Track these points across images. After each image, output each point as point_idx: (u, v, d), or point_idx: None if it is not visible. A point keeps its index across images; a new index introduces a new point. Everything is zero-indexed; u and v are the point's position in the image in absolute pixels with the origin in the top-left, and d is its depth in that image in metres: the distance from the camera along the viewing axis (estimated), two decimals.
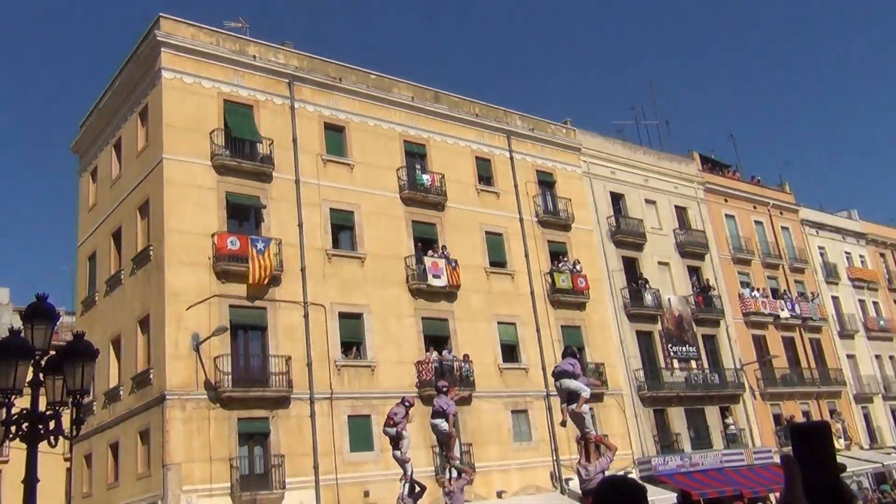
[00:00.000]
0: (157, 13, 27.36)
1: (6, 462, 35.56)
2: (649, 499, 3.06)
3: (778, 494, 35.39)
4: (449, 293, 30.88)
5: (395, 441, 17.96)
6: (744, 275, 44.26)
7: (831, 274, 50.09)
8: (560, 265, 35.05)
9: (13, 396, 9.51)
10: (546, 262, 34.93)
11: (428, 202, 31.83)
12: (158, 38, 26.93)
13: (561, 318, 34.28)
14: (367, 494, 26.15)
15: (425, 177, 32.05)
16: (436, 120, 33.64)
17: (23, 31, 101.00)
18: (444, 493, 17.02)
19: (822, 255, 50.72)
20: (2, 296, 42.23)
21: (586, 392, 14.02)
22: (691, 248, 41.28)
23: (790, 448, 2.06)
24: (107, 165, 30.51)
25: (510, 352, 32.38)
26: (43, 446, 10.07)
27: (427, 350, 29.62)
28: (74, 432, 12.59)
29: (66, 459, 33.29)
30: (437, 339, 30.37)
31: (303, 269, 27.59)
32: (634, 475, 31.52)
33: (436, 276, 30.31)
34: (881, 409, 47.93)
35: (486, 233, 33.43)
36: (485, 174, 34.64)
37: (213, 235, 25.89)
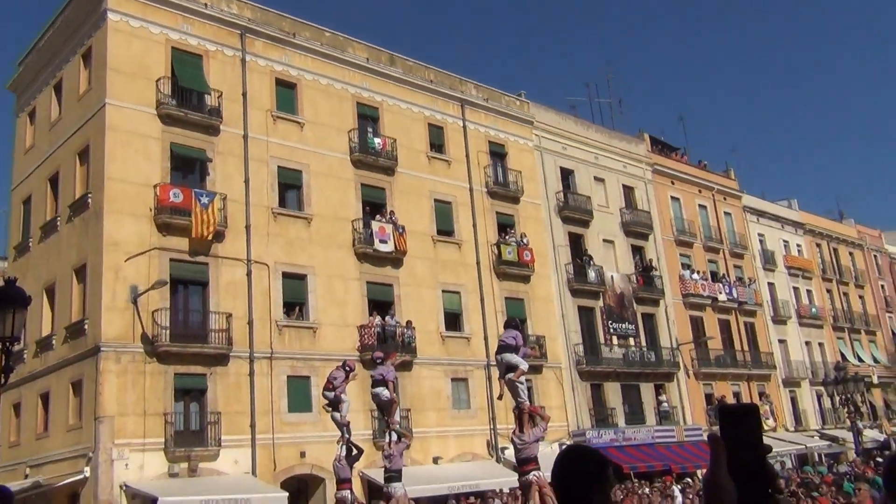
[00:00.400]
0: None
1: None
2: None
3: (704, 471, 36.28)
4: (395, 259, 30.83)
5: (335, 404, 17.97)
6: (685, 257, 45.04)
7: (769, 261, 51.31)
8: (507, 237, 35.20)
9: None
10: (493, 233, 35.06)
11: (378, 166, 31.61)
12: None
13: (505, 290, 34.50)
14: (303, 455, 26.18)
15: (377, 140, 31.79)
16: (390, 83, 33.32)
17: None
18: (382, 455, 17.13)
19: (761, 241, 51.90)
20: None
21: (524, 365, 14.26)
22: (636, 228, 41.82)
23: (718, 428, 2.07)
24: (46, 107, 29.54)
25: (453, 320, 32.55)
26: None
27: (370, 314, 29.59)
28: (3, 380, 12.20)
29: None
30: (381, 303, 30.36)
31: (247, 227, 27.25)
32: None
33: (382, 241, 30.18)
34: (807, 393, 49.49)
35: (436, 200, 33.40)
36: (437, 141, 34.51)
37: (155, 186, 25.34)
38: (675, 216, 45.36)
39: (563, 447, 3.06)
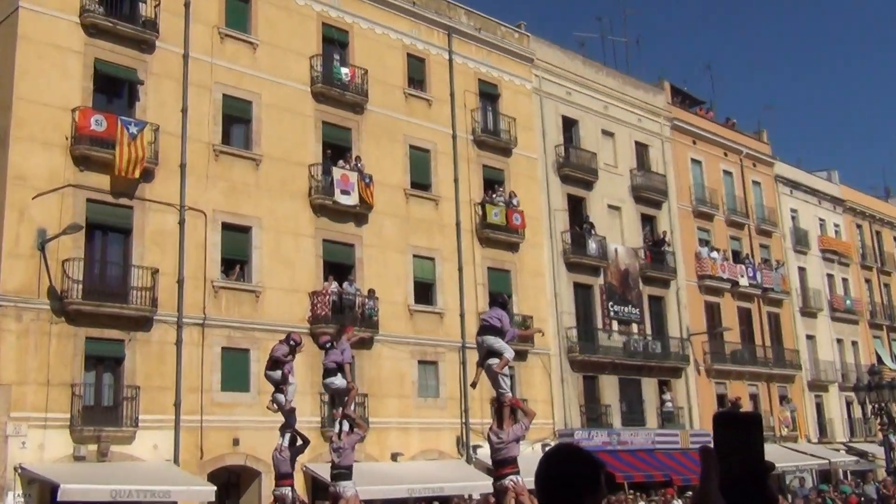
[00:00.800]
0: None
1: None
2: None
3: None
4: (358, 214, 30.73)
5: (278, 386, 17.93)
6: (704, 231, 45.32)
7: (801, 241, 51.78)
8: (494, 196, 35.17)
9: None
10: (478, 190, 35.03)
11: (344, 102, 31.39)
12: None
13: (489, 259, 34.56)
14: (236, 443, 26.23)
15: (344, 70, 31.50)
16: (364, 2, 32.95)
17: None
18: (331, 448, 17.12)
19: (793, 218, 52.29)
20: None
21: (509, 353, 14.21)
22: (648, 194, 41.95)
23: (712, 438, 2.09)
24: None
25: (424, 291, 32.59)
26: None
27: (326, 279, 29.55)
28: None
29: None
30: (338, 267, 30.32)
31: (183, 166, 27.03)
32: None
33: (344, 192, 30.06)
34: (835, 399, 50.24)
35: (411, 147, 33.29)
36: (416, 76, 34.27)
37: (73, 111, 25.00)
38: (694, 182, 45.53)
39: (549, 447, 3.07)
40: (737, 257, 46.52)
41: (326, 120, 31.02)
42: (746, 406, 41.46)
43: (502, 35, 38.11)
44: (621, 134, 42.07)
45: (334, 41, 32.09)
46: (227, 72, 28.66)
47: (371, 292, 30.17)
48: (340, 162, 30.71)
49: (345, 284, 29.92)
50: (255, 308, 27.75)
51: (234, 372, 26.78)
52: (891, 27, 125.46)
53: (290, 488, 17.65)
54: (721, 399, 42.23)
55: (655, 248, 41.47)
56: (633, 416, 38.11)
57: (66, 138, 24.79)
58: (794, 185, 53.28)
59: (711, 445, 2.07)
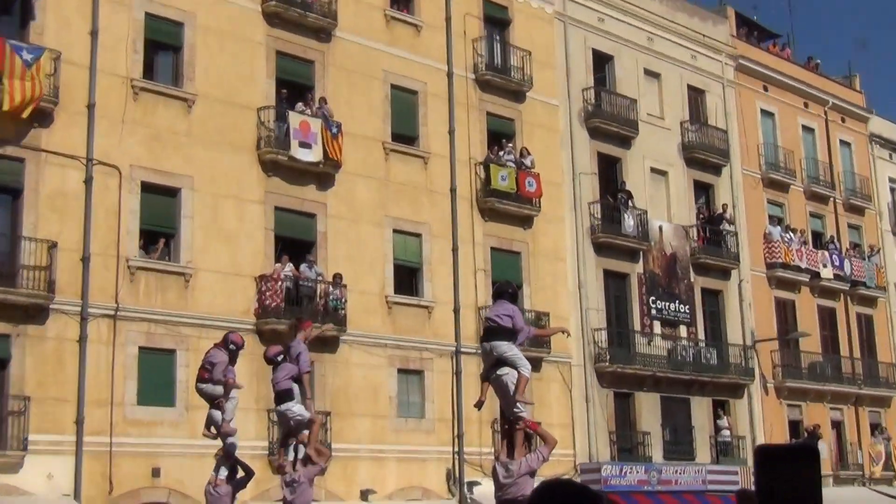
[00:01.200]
0: None
1: None
2: None
3: None
4: (323, 174, 30.69)
5: (214, 401, 17.87)
6: (776, 205, 45.31)
7: None
8: (501, 154, 35.06)
9: None
10: (481, 146, 34.95)
11: (305, 26, 31.28)
12: None
13: (493, 237, 34.53)
14: (156, 473, 26.14)
15: None
16: None
17: None
18: (282, 482, 17.08)
19: (892, 191, 52.25)
20: None
21: (526, 368, 14.01)
22: (704, 155, 41.90)
23: (754, 477, 2.01)
24: None
25: (408, 278, 32.58)
26: None
27: (278, 260, 29.49)
28: None
29: None
30: (295, 243, 30.34)
31: (91, 106, 26.91)
32: None
33: (304, 146, 29.95)
34: None
35: (393, 87, 33.24)
36: None
37: None
38: (764, 141, 45.48)
39: (538, 485, 3.24)
40: (818, 241, 46.55)
41: (282, 49, 30.88)
42: (828, 437, 41.57)
43: None
44: (670, 75, 41.96)
45: None
46: None
47: (337, 278, 30.03)
48: (299, 105, 30.57)
49: (303, 267, 29.80)
50: (183, 296, 27.61)
51: (155, 380, 26.63)
52: None
53: None
54: (794, 427, 42.30)
55: (712, 226, 41.40)
56: (680, 446, 38.10)
57: None
58: (895, 148, 53.24)
59: (753, 487, 2.05)
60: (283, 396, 16.72)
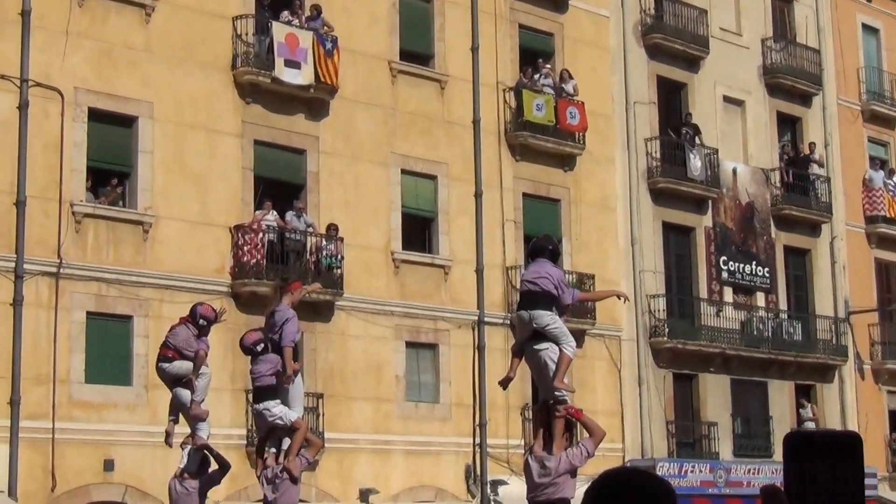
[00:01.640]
0: None
1: None
2: None
3: None
4: (314, 101, 30.75)
5: (180, 381, 17.89)
6: (878, 145, 45.17)
7: None
8: (537, 78, 34.96)
9: None
10: (512, 67, 34.94)
11: None
12: None
13: (526, 180, 34.61)
14: (109, 466, 26.27)
15: None
16: None
17: None
18: (262, 477, 17.10)
19: None
20: None
21: (571, 346, 13.95)
22: (791, 81, 41.78)
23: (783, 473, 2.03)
24: None
25: (419, 231, 32.74)
26: None
27: (259, 207, 29.58)
28: None
29: None
30: (280, 187, 30.48)
31: (25, 13, 26.86)
32: None
33: (291, 65, 29.93)
34: None
35: None
36: None
37: None
38: (866, 65, 45.21)
39: (594, 479, 3.18)
40: None
41: None
42: None
43: None
44: None
45: None
46: None
47: (332, 229, 30.10)
48: (285, 14, 30.55)
49: (289, 216, 29.92)
50: (141, 251, 27.71)
51: (107, 353, 26.86)
52: None
53: None
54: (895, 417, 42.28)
55: (798, 170, 41.23)
56: (754, 440, 38.19)
57: None
58: None
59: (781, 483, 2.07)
60: (262, 393, 16.57)
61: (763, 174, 40.15)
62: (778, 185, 40.51)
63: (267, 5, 30.45)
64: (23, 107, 26.49)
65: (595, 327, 34.14)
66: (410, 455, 30.98)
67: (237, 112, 29.65)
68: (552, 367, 13.64)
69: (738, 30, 40.96)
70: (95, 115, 27.64)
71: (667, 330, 36.40)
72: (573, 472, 13.72)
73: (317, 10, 30.85)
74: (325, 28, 30.66)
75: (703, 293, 37.93)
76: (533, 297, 13.81)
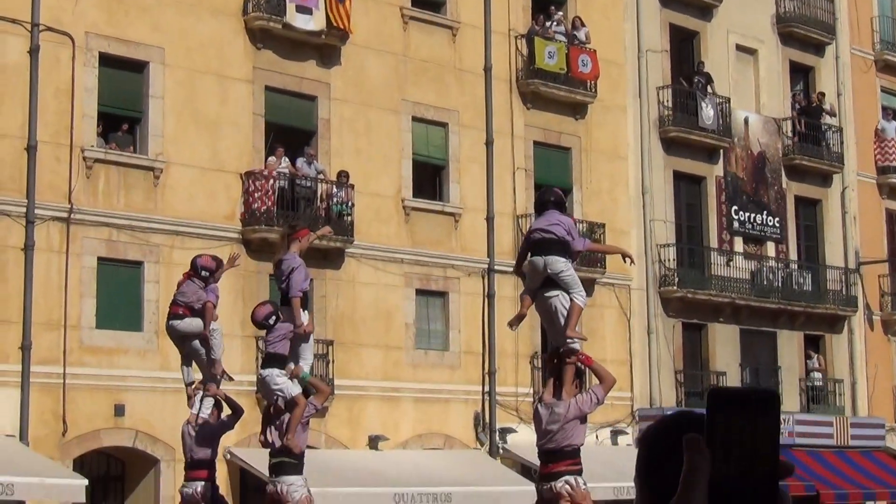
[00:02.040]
0: None
1: None
2: None
3: None
4: (325, 47, 30.66)
5: (192, 339, 17.98)
6: (891, 94, 44.93)
7: None
8: (549, 25, 34.82)
9: None
10: (523, 14, 34.80)
11: None
12: None
13: (537, 128, 34.53)
14: (120, 411, 26.35)
15: None
16: None
17: None
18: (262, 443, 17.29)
19: None
20: None
21: (582, 296, 13.98)
22: (804, 30, 41.53)
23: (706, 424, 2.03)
24: None
25: (430, 178, 32.74)
26: None
27: (270, 153, 29.54)
28: None
29: None
30: (291, 133, 30.44)
31: None
32: (630, 437, 32.42)
33: (303, 10, 29.80)
34: None
35: None
36: None
37: None
38: (880, 13, 44.94)
39: (651, 424, 3.01)
40: None
41: None
42: None
43: None
44: None
45: None
46: None
47: (342, 176, 30.08)
48: None
49: (300, 162, 29.89)
50: (152, 196, 27.72)
51: (118, 299, 26.86)
52: None
53: (205, 483, 17.70)
54: None
55: (810, 119, 41.07)
56: None
57: None
58: None
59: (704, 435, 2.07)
60: (270, 360, 16.55)
61: (775, 124, 40.02)
62: (790, 134, 40.38)
63: None
64: (34, 51, 26.46)
65: (604, 276, 34.16)
66: (419, 402, 31.06)
67: (248, 58, 29.59)
68: (563, 314, 13.68)
69: None
70: (106, 61, 27.60)
71: (677, 279, 36.39)
72: (583, 419, 13.78)
73: None
74: None
75: (714, 243, 37.89)
76: (547, 244, 13.87)
